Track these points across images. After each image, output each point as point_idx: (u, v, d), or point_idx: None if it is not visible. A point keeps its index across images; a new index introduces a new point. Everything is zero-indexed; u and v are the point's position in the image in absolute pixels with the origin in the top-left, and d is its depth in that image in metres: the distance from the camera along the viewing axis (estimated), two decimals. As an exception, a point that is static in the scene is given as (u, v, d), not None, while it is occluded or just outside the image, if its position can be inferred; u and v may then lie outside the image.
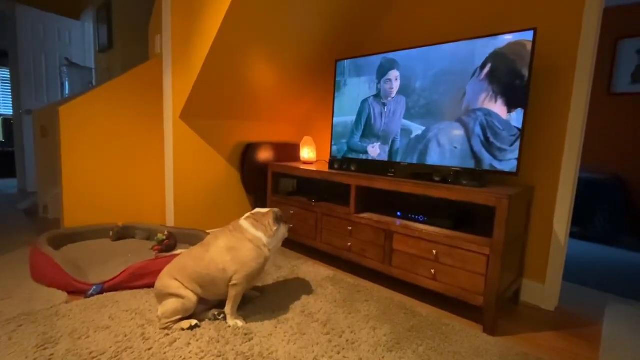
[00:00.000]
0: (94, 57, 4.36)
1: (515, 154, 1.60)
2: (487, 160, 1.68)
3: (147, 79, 2.60)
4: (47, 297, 1.59)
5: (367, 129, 2.16)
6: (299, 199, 2.40)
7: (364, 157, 2.18)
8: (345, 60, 2.27)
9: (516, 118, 1.59)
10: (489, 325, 1.49)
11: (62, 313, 1.45)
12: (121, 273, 1.67)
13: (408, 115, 1.95)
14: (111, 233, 2.35)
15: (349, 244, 2.04)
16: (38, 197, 3.23)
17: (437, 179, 1.78)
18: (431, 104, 1.86)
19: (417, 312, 1.62)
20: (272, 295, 1.71)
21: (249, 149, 2.74)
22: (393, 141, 2.03)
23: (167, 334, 1.32)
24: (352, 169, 2.16)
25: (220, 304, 1.48)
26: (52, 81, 4.19)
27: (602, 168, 3.65)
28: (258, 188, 2.80)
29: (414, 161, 1.93)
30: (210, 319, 1.45)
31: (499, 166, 1.65)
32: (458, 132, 1.77)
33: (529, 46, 1.54)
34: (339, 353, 1.28)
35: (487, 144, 1.68)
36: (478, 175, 1.65)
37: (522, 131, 1.58)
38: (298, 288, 1.82)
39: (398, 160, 2.01)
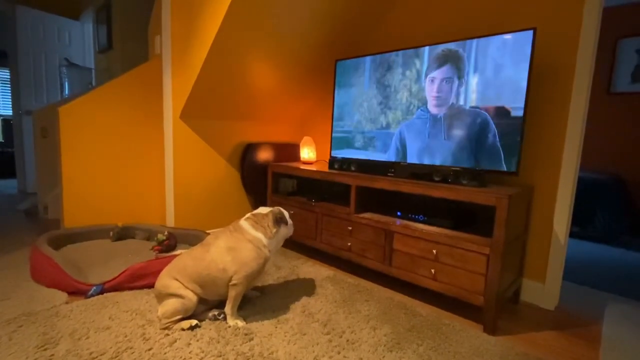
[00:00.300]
0: (94, 58, 4.36)
1: (515, 154, 1.60)
2: (487, 160, 1.68)
3: (146, 79, 2.60)
4: (47, 298, 1.59)
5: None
6: (299, 199, 2.40)
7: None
8: (345, 60, 2.27)
9: (516, 117, 1.59)
10: (489, 325, 1.49)
11: (62, 313, 1.45)
12: (121, 273, 1.67)
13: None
14: (111, 233, 2.35)
15: (349, 244, 2.04)
16: (38, 197, 3.23)
17: (437, 178, 1.78)
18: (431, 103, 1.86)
19: (417, 311, 1.62)
20: (272, 295, 1.71)
21: (249, 149, 2.74)
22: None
23: (168, 334, 1.32)
24: (352, 168, 2.16)
25: (221, 304, 1.48)
26: (51, 82, 4.19)
27: (602, 167, 3.65)
28: (258, 188, 2.80)
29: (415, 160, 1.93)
30: (210, 319, 1.45)
31: (498, 166, 1.65)
32: (458, 131, 1.77)
33: (529, 46, 1.55)
34: (339, 353, 1.28)
35: (487, 143, 1.68)
36: (478, 175, 1.65)
37: (521, 131, 1.58)
38: (298, 288, 1.82)
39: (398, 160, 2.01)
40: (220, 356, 1.22)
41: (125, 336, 1.31)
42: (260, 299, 1.66)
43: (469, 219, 1.86)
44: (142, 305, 1.54)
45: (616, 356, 1.40)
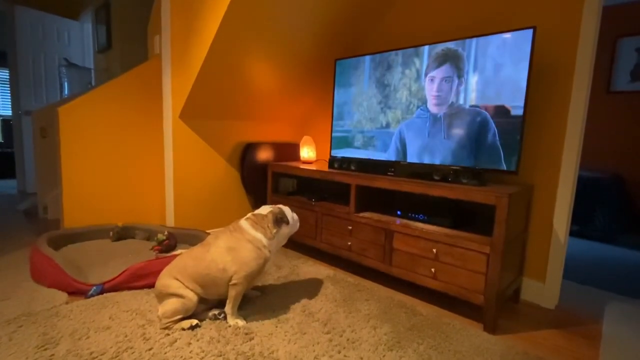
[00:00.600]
0: (93, 58, 4.35)
1: (515, 152, 1.60)
2: (487, 159, 1.68)
3: (146, 79, 2.59)
4: (47, 298, 1.58)
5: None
6: (299, 199, 2.40)
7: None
8: (345, 59, 2.27)
9: (515, 116, 1.59)
10: (489, 324, 1.49)
11: (62, 314, 1.45)
12: (121, 273, 1.67)
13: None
14: (111, 233, 2.35)
15: (349, 243, 2.04)
16: (38, 197, 3.22)
17: (436, 177, 1.78)
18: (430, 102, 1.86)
19: (418, 311, 1.62)
20: (273, 295, 1.71)
21: (248, 149, 2.74)
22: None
23: (168, 334, 1.32)
24: (352, 168, 2.16)
25: (221, 304, 1.48)
26: (51, 82, 4.19)
27: (601, 166, 3.65)
28: (258, 188, 2.80)
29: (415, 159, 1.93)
30: (210, 319, 1.45)
31: (498, 165, 1.65)
32: (458, 130, 1.77)
33: (529, 45, 1.54)
34: (339, 352, 1.28)
35: (487, 142, 1.68)
36: (478, 174, 1.65)
37: (521, 129, 1.58)
38: (298, 287, 1.82)
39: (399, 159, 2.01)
40: (220, 356, 1.22)
41: (126, 336, 1.31)
42: (261, 299, 1.66)
43: (469, 218, 1.86)
44: (142, 305, 1.54)
45: (616, 355, 1.40)
